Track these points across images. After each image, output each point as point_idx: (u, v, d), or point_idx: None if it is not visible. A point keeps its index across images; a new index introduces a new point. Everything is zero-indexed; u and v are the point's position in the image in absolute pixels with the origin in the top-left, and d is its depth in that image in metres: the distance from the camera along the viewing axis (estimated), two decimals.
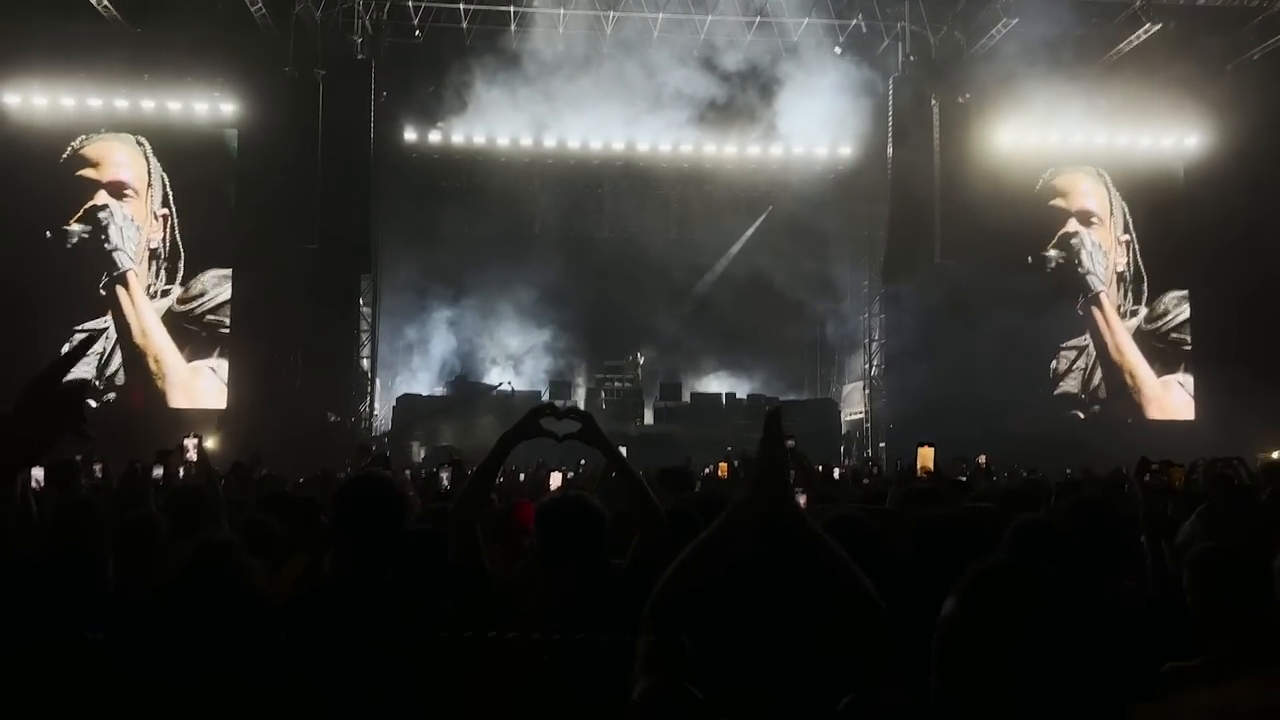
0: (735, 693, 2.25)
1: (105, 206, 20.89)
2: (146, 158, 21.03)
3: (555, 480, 6.78)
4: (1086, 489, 5.48)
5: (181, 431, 9.80)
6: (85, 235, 20.84)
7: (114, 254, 20.91)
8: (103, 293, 20.78)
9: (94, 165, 20.97)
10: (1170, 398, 22.86)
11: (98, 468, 7.76)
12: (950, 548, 2.64)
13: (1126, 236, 23.00)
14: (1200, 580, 2.80)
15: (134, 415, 19.08)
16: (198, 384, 20.92)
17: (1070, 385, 22.98)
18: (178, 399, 20.79)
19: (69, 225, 20.73)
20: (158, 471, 6.39)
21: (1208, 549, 2.90)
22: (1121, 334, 22.97)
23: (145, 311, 20.92)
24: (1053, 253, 22.90)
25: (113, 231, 20.91)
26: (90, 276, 20.73)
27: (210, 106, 20.89)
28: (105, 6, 19.17)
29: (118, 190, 20.97)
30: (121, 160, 21.04)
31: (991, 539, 2.89)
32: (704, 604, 2.15)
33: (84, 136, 20.90)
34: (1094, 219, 23.03)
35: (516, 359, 25.98)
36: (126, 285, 20.87)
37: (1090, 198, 23.06)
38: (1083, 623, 1.47)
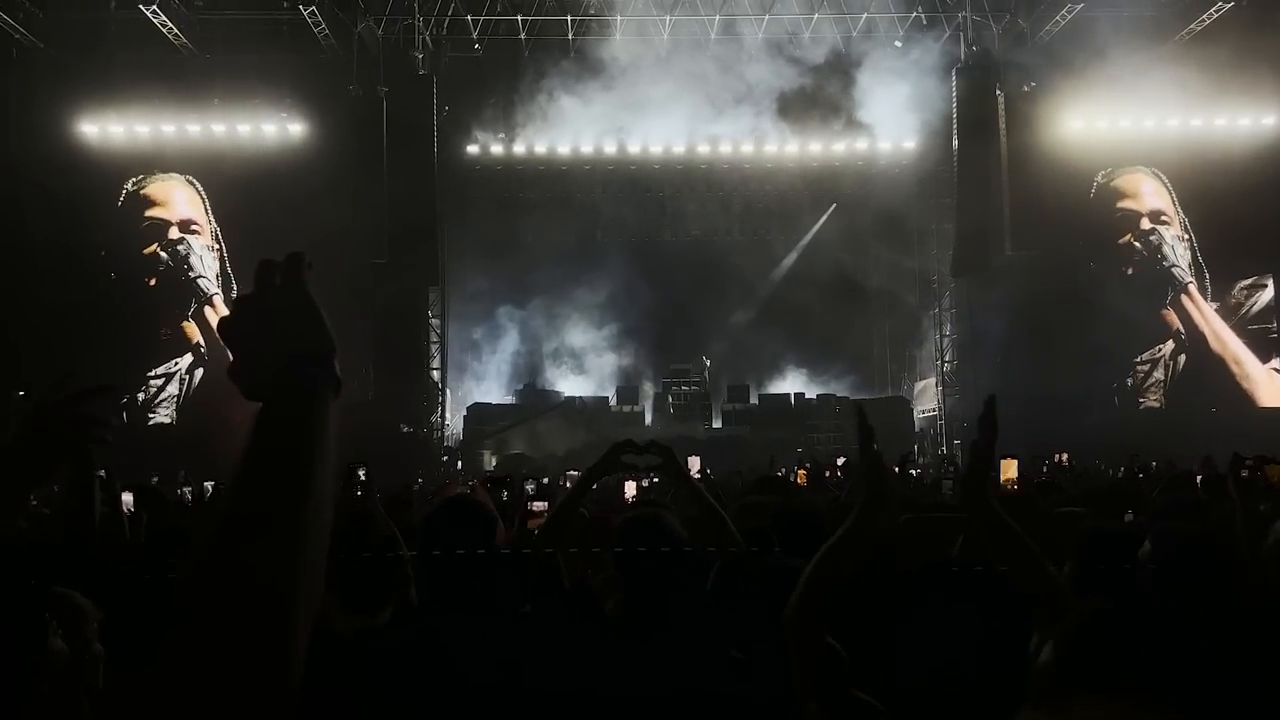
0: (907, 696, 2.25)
1: (182, 239, 21.46)
2: (201, 196, 21.58)
3: (630, 489, 6.75)
4: (1189, 487, 5.32)
5: None
6: (169, 265, 21.38)
7: (198, 280, 21.45)
8: (190, 323, 21.26)
9: (160, 205, 21.54)
10: (1276, 386, 21.93)
11: (188, 490, 7.94)
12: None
13: (1186, 236, 22.26)
14: None
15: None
16: None
17: (1152, 402, 22.13)
18: None
19: (158, 252, 21.30)
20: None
21: None
22: (1218, 322, 22.04)
23: None
24: (1137, 244, 22.23)
25: (194, 259, 21.46)
26: (171, 311, 21.24)
27: (279, 128, 21.36)
28: (175, 35, 19.71)
29: (186, 226, 21.54)
30: (182, 199, 21.64)
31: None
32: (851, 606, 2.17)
33: (140, 177, 21.46)
34: (1164, 217, 22.31)
35: (583, 365, 26.10)
36: (215, 309, 21.39)
37: (1156, 198, 22.34)
38: (1186, 678, 1.37)
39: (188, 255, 21.45)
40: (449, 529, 2.76)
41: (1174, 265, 22.22)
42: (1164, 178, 22.26)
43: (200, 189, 21.56)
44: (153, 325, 21.07)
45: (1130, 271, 22.11)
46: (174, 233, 21.48)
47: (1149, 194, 22.36)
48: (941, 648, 2.34)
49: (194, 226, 21.53)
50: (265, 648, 0.89)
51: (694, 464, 6.40)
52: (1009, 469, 5.28)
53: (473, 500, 2.99)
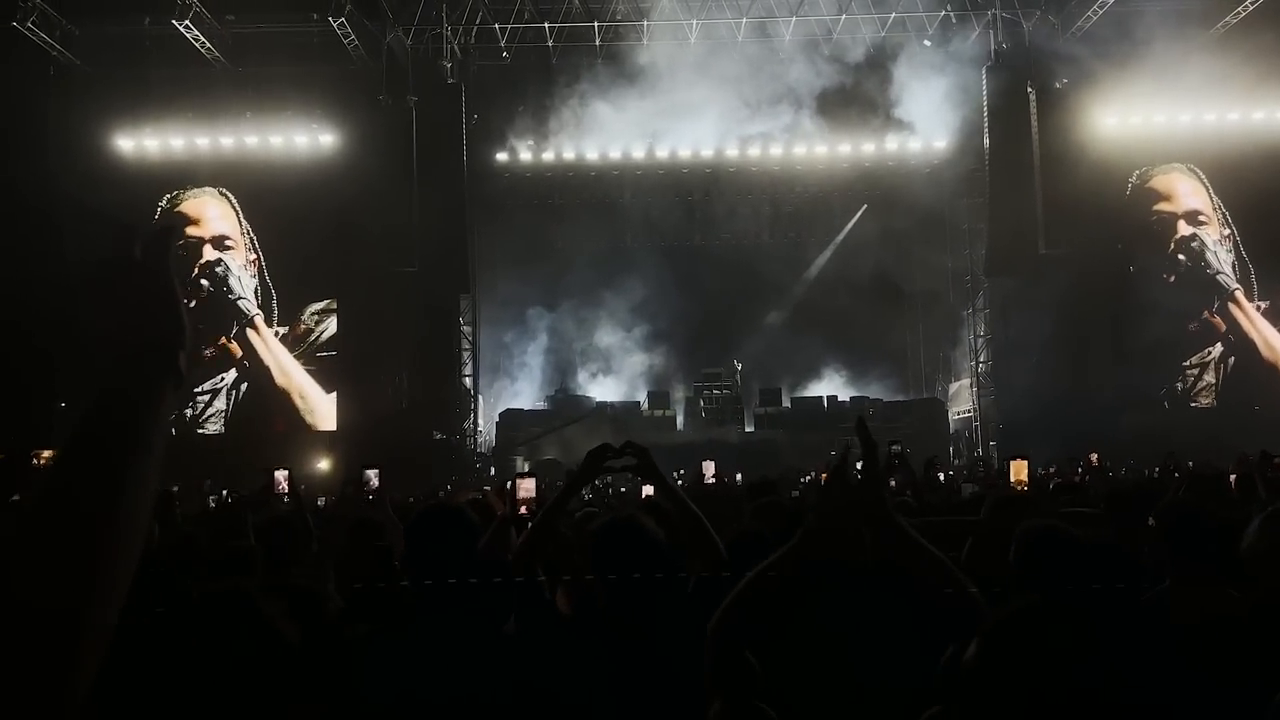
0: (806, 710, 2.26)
1: (219, 260, 21.67)
2: (235, 209, 21.77)
3: (648, 489, 6.73)
4: (1213, 487, 5.21)
5: (300, 453, 10.08)
6: (210, 290, 21.58)
7: (239, 302, 21.61)
8: (232, 343, 21.42)
9: (194, 223, 21.69)
10: None
11: (212, 499, 8.03)
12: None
13: (1228, 231, 21.77)
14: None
15: (274, 438, 20.16)
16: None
17: (1204, 403, 21.60)
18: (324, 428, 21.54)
19: (199, 279, 21.53)
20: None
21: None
22: (1269, 329, 21.42)
23: (280, 352, 21.58)
24: (1181, 256, 21.78)
25: (233, 281, 21.63)
26: (214, 332, 21.39)
27: (310, 139, 21.60)
28: (208, 49, 19.99)
29: (220, 243, 21.70)
30: (215, 215, 21.79)
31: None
32: (771, 621, 2.16)
33: (174, 193, 21.68)
34: (1201, 217, 21.83)
35: (614, 368, 26.12)
36: (257, 329, 21.56)
37: (1193, 197, 21.87)
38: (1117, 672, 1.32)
39: (226, 277, 21.62)
40: (428, 537, 2.76)
41: (1219, 272, 21.67)
42: (1201, 174, 21.82)
43: (233, 201, 21.80)
44: (195, 343, 21.20)
45: (1172, 280, 21.60)
46: (209, 251, 21.64)
47: (1185, 194, 21.91)
48: (852, 656, 2.33)
49: (228, 242, 21.73)
50: (39, 645, 0.85)
51: (709, 469, 6.34)
52: (1019, 470, 5.19)
53: (453, 509, 2.97)
